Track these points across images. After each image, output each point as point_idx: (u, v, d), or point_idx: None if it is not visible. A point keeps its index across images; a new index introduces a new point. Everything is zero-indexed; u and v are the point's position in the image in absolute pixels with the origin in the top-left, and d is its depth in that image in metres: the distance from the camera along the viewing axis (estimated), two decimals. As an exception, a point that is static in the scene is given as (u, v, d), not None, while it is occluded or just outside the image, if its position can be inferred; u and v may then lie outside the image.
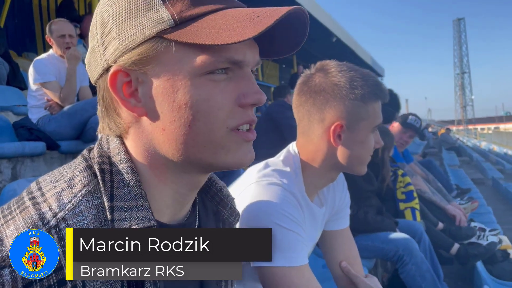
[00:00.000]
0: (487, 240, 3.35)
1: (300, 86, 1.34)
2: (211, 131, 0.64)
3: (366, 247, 2.67)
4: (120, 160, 0.66)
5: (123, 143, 0.69)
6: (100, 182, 0.63)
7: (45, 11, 7.86)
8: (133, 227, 0.61)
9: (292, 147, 1.38)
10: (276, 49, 0.73)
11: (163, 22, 0.61)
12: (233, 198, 0.91)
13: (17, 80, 4.89)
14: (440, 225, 3.51)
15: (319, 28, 12.16)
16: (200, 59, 0.61)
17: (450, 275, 3.52)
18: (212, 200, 0.86)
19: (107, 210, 0.61)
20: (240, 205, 1.14)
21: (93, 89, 3.96)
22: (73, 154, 3.63)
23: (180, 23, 0.61)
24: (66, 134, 3.46)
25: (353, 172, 1.35)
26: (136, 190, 0.64)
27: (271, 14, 0.60)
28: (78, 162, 0.68)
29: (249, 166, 1.13)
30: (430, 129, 26.11)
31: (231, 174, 3.19)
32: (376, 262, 2.97)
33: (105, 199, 0.62)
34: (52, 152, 3.44)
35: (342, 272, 1.44)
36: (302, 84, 1.34)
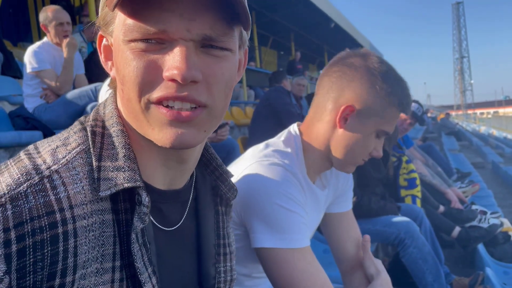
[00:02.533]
0: (488, 222, 3.35)
1: (336, 59, 1.30)
2: (131, 100, 0.63)
3: (368, 231, 2.65)
4: (112, 124, 0.68)
5: (117, 107, 0.71)
6: (90, 142, 0.65)
7: (40, 1, 7.77)
8: (119, 186, 0.62)
9: (293, 128, 1.35)
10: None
11: None
12: (232, 175, 0.90)
13: (12, 69, 4.84)
14: (441, 208, 3.50)
15: (317, 14, 12.05)
16: (127, 24, 0.60)
17: (451, 258, 3.52)
18: (212, 174, 0.87)
19: (94, 169, 0.63)
20: (241, 185, 1.11)
21: (89, 78, 3.93)
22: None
23: None
24: (62, 123, 3.42)
25: (338, 169, 1.30)
26: (124, 152, 0.66)
27: None
28: (74, 125, 0.70)
29: (246, 148, 1.09)
30: (429, 114, 26.09)
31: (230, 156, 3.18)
32: (377, 247, 2.96)
33: (93, 158, 0.64)
34: (49, 141, 3.41)
35: (349, 254, 1.40)
36: (338, 57, 1.29)
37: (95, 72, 4.23)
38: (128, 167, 0.64)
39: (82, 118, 0.72)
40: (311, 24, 13.52)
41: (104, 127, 0.69)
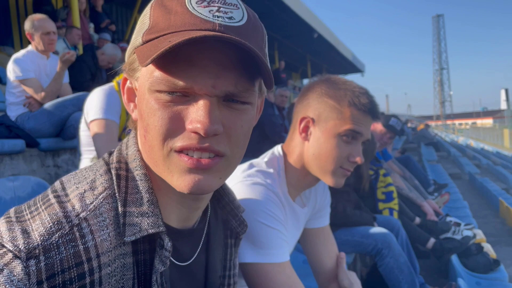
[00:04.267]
0: (461, 234, 3.45)
1: (304, 87, 1.42)
2: (153, 147, 0.65)
3: (346, 241, 2.73)
4: (136, 167, 0.70)
5: (138, 150, 0.73)
6: (115, 187, 0.67)
7: (22, 5, 7.70)
8: (143, 232, 0.65)
9: (277, 149, 1.43)
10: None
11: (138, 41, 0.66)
12: (243, 210, 0.95)
13: (-5, 76, 4.80)
14: (417, 220, 3.60)
15: (301, 24, 12.20)
16: (155, 76, 0.63)
17: (426, 268, 3.61)
18: (224, 209, 0.91)
19: (120, 215, 0.65)
20: None
21: (72, 86, 3.93)
22: (52, 152, 3.59)
23: (144, 42, 0.64)
24: (45, 132, 3.42)
25: (326, 182, 1.34)
26: (148, 196, 0.68)
27: (183, 36, 0.58)
28: (99, 165, 0.72)
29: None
30: (409, 125, 26.51)
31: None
32: (355, 257, 3.03)
33: (119, 204, 0.66)
34: (32, 149, 3.40)
35: (326, 267, 1.49)
36: (306, 85, 1.42)
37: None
38: (152, 212, 0.67)
39: (106, 157, 0.74)
40: (295, 33, 13.67)
41: (127, 169, 0.70)
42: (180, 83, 0.61)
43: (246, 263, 1.13)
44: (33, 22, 3.49)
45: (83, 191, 0.66)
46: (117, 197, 0.66)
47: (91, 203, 0.64)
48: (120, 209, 0.65)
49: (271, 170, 1.32)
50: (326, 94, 1.30)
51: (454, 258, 3.28)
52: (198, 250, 0.81)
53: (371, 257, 3.08)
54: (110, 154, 0.75)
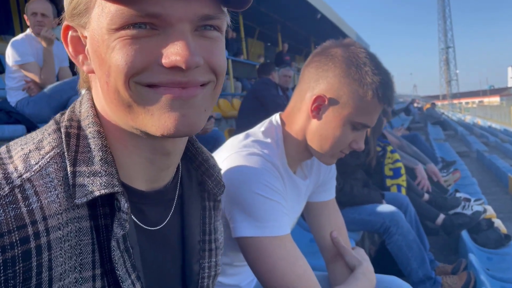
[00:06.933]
0: (472, 209, 3.40)
1: (318, 49, 1.28)
2: (119, 90, 0.58)
3: (353, 220, 2.68)
4: (88, 124, 0.64)
5: (93, 106, 0.67)
6: (64, 146, 0.61)
7: (21, -7, 7.63)
8: (95, 193, 0.59)
9: (275, 118, 1.34)
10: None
11: None
12: (219, 169, 0.88)
13: (-6, 63, 4.76)
14: (426, 196, 3.54)
15: (304, 5, 12.02)
16: (113, 11, 0.56)
17: (436, 245, 3.57)
18: (198, 169, 0.84)
19: (69, 175, 0.59)
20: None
21: (72, 69, 3.87)
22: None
23: None
24: (45, 116, 3.35)
25: (319, 160, 1.29)
26: (101, 155, 0.62)
27: None
28: (48, 125, 0.66)
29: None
30: (415, 105, 26.28)
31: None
32: (363, 235, 3.00)
33: (68, 163, 0.60)
34: (33, 135, 3.36)
35: (332, 242, 1.42)
36: (321, 48, 1.28)
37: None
38: (105, 171, 0.61)
39: (57, 117, 0.68)
40: (298, 15, 13.50)
41: (79, 127, 0.65)
42: (147, 10, 0.55)
43: (244, 237, 1.08)
44: (27, 4, 3.42)
45: (28, 151, 0.60)
46: (66, 156, 0.60)
47: (36, 163, 0.58)
48: (69, 169, 0.59)
49: (269, 140, 1.25)
50: (350, 75, 1.17)
51: (464, 234, 3.24)
52: (171, 213, 0.75)
53: (379, 235, 3.05)
54: (62, 114, 0.68)
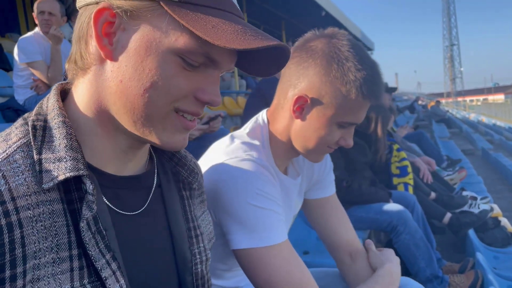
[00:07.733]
0: (478, 208, 3.40)
1: (299, 42, 1.21)
2: (156, 105, 0.67)
3: (361, 218, 2.69)
4: (54, 116, 0.68)
5: (59, 100, 0.71)
6: (31, 137, 0.65)
7: (27, -9, 7.64)
8: (59, 177, 0.62)
9: (262, 115, 1.29)
10: (249, 67, 0.78)
11: None
12: (191, 158, 0.92)
13: (2, 61, 4.78)
14: (433, 194, 3.54)
15: (308, 2, 11.99)
16: (183, 42, 0.64)
17: (443, 244, 3.57)
18: (170, 161, 0.89)
19: (35, 163, 0.63)
20: (210, 185, 1.07)
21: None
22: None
23: (183, 2, 0.64)
24: (53, 115, 3.39)
25: (302, 155, 1.25)
26: (65, 142, 0.65)
27: (262, 38, 0.64)
28: (17, 121, 0.70)
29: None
30: (420, 102, 26.22)
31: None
32: (369, 234, 3.00)
33: (34, 152, 0.64)
34: (41, 133, 3.38)
35: (338, 240, 1.38)
36: (302, 40, 1.20)
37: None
38: (70, 156, 0.64)
39: (26, 114, 0.72)
40: (302, 12, 13.46)
41: (45, 120, 0.68)
42: (211, 55, 0.67)
43: (240, 249, 1.05)
44: (34, 4, 3.43)
45: None
46: (33, 145, 0.65)
47: (3, 152, 0.63)
48: (35, 157, 0.64)
49: (256, 142, 1.20)
50: (331, 73, 1.10)
51: (471, 233, 3.24)
52: (149, 199, 0.80)
53: (386, 233, 3.05)
54: (30, 112, 0.73)
